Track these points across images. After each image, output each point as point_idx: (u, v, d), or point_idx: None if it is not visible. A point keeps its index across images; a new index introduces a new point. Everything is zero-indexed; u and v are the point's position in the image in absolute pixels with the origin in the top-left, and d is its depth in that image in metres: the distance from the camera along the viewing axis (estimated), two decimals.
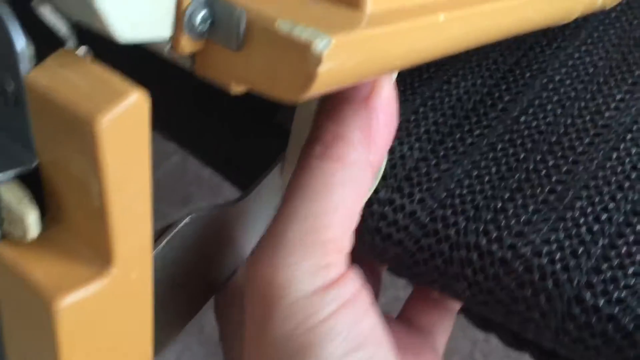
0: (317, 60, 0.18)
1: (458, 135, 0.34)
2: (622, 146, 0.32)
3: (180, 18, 0.19)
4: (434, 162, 0.33)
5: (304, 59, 0.18)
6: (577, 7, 0.31)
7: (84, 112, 0.18)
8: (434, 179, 0.32)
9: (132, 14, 0.18)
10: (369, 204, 0.32)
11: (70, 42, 0.21)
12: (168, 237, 0.26)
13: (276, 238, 0.24)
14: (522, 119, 0.34)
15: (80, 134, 0.18)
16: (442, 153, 0.33)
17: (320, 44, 0.18)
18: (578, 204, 0.30)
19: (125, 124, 0.18)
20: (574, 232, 0.29)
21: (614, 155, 0.32)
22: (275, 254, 0.24)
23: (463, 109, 0.35)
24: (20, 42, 0.19)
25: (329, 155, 0.25)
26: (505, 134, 0.33)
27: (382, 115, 0.26)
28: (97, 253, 0.20)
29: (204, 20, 0.19)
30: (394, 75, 0.28)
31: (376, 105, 0.25)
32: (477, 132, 0.34)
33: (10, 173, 0.20)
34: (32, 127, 0.20)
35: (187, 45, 0.20)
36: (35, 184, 0.20)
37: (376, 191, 0.32)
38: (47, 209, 0.21)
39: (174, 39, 0.19)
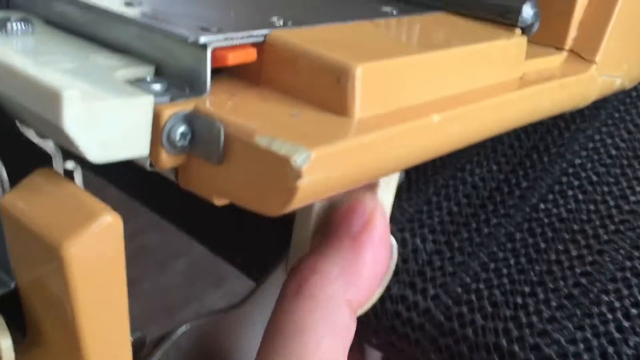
0: (296, 174, 0.17)
1: (474, 226, 0.32)
2: None
3: (159, 135, 0.18)
4: (448, 255, 0.31)
5: (284, 174, 0.17)
6: (591, 93, 0.30)
7: (52, 238, 0.17)
8: (448, 274, 0.30)
9: (105, 137, 0.17)
10: (381, 301, 0.30)
11: (57, 159, 0.21)
12: (162, 348, 0.24)
13: None
14: (542, 206, 0.32)
15: (51, 259, 0.17)
16: (457, 245, 0.31)
17: (299, 159, 0.17)
18: (605, 299, 0.28)
19: (95, 248, 0.17)
20: (602, 330, 0.27)
21: None
22: None
23: (479, 197, 0.33)
24: None
25: (302, 292, 0.23)
26: (524, 222, 0.32)
27: (370, 253, 0.24)
28: None
29: (183, 136, 0.19)
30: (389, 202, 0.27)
31: (365, 241, 0.24)
32: (495, 221, 0.32)
33: None
34: (9, 249, 0.19)
35: (168, 161, 0.19)
36: (15, 307, 0.20)
37: (388, 288, 0.30)
38: (27, 332, 0.20)
39: (154, 155, 0.19)
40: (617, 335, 0.27)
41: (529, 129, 0.36)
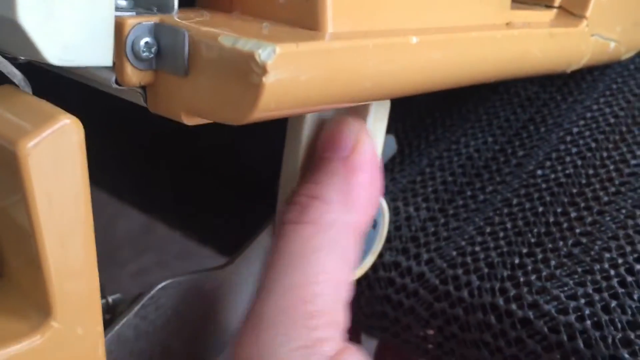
0: (261, 70, 0.16)
1: (469, 193, 0.31)
2: None
3: (122, 45, 0.18)
4: (442, 221, 0.30)
5: (248, 71, 0.16)
6: (584, 50, 0.29)
7: (8, 139, 0.16)
8: (443, 239, 0.29)
9: (62, 36, 0.17)
10: (374, 269, 0.29)
11: (18, 79, 0.20)
12: (140, 303, 0.23)
13: (259, 315, 0.22)
14: (539, 172, 0.31)
15: (9, 164, 0.16)
16: (451, 212, 0.30)
17: (263, 53, 0.16)
18: (607, 255, 0.26)
19: (53, 149, 0.16)
20: (604, 285, 0.25)
21: None
22: (259, 333, 0.21)
23: (474, 166, 0.32)
24: None
25: (304, 218, 0.22)
26: (520, 188, 0.31)
27: (363, 174, 0.24)
28: (37, 307, 0.18)
29: (148, 47, 0.18)
30: (381, 135, 0.26)
31: (356, 163, 0.23)
32: (490, 188, 0.31)
33: None
34: None
35: (134, 75, 0.18)
36: None
37: (380, 255, 0.29)
38: None
39: (119, 69, 0.18)
40: (620, 289, 0.25)
41: (525, 102, 0.35)
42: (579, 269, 0.26)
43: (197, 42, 0.17)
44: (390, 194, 0.32)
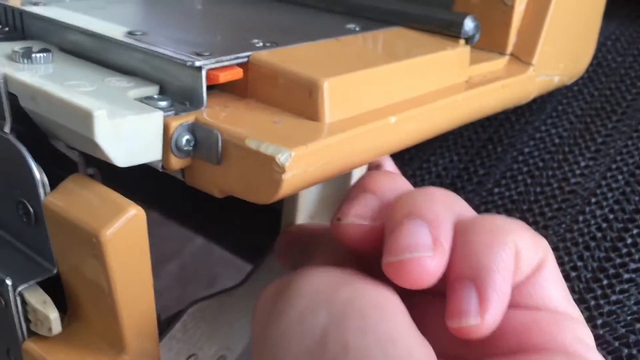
0: (281, 170, 0.21)
1: None
2: (587, 209, 0.35)
3: (168, 143, 0.23)
4: None
5: (271, 170, 0.22)
6: (531, 90, 0.35)
7: (91, 228, 0.21)
8: None
9: (127, 145, 0.22)
10: None
11: (81, 166, 0.25)
12: (174, 327, 0.29)
13: None
14: (496, 190, 0.37)
15: (91, 244, 0.22)
16: None
17: (282, 157, 0.21)
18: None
19: (125, 234, 0.22)
20: None
21: (581, 218, 0.34)
22: None
23: (442, 184, 0.38)
24: (38, 174, 0.23)
25: None
26: (480, 205, 0.36)
27: None
28: (111, 344, 0.24)
29: (188, 142, 0.23)
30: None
31: None
32: None
33: (34, 281, 0.24)
34: (51, 241, 0.24)
35: (176, 163, 0.24)
36: (56, 288, 0.24)
37: None
38: (68, 308, 0.24)
39: (165, 159, 0.23)
40: None
41: (485, 122, 0.41)
42: None
43: (228, 141, 0.23)
44: None
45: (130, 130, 0.22)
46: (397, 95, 0.27)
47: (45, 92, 0.23)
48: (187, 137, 0.23)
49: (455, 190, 0.38)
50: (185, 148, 0.23)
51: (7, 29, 0.32)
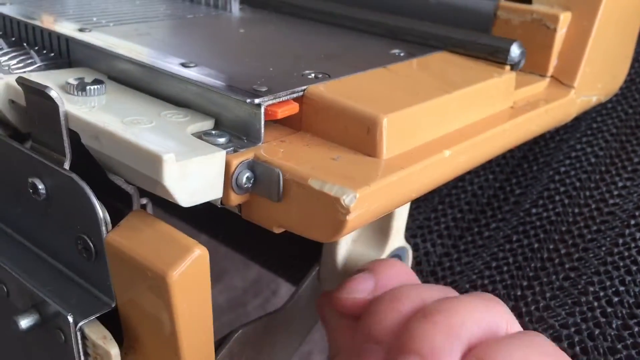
0: (346, 211, 0.22)
1: (476, 230, 0.37)
2: (627, 232, 0.35)
3: (229, 180, 0.23)
4: (455, 256, 0.36)
5: (335, 211, 0.22)
6: (572, 112, 0.35)
7: (158, 268, 0.22)
8: (457, 273, 0.35)
9: (191, 186, 0.22)
10: None
11: (135, 197, 0.26)
12: (221, 353, 0.29)
13: None
14: (534, 210, 0.37)
15: (155, 284, 0.22)
16: (462, 247, 0.36)
17: (347, 199, 0.22)
18: (591, 289, 0.33)
19: (190, 274, 0.22)
20: (589, 315, 0.32)
21: (620, 241, 0.35)
22: None
23: (479, 203, 0.38)
24: (101, 212, 0.23)
25: None
26: (519, 225, 0.37)
27: None
28: None
29: (248, 179, 0.24)
30: None
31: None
32: (493, 225, 0.37)
33: (94, 316, 0.24)
34: (111, 276, 0.24)
35: (235, 199, 0.24)
36: (112, 320, 0.24)
37: None
38: (124, 341, 0.25)
39: (225, 196, 0.24)
40: (602, 319, 0.32)
41: None
42: (569, 301, 0.33)
43: (290, 180, 0.23)
44: (409, 230, 0.38)
45: (195, 171, 0.22)
46: (448, 126, 0.28)
47: (110, 132, 0.23)
48: (247, 174, 0.24)
49: (492, 210, 0.38)
50: (245, 185, 0.24)
51: (52, 54, 0.32)
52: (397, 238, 0.33)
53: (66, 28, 0.32)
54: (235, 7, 0.41)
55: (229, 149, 0.24)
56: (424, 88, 0.28)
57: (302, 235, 0.24)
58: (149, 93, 0.28)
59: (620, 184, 0.37)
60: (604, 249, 0.34)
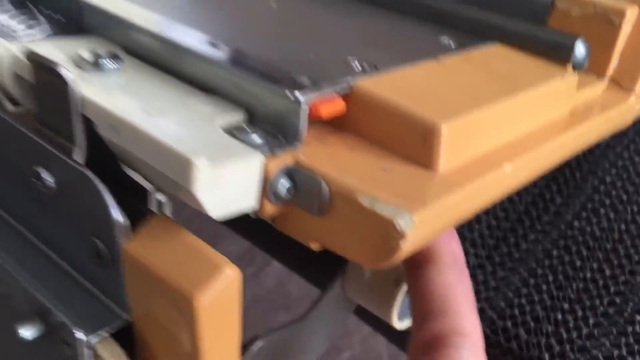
0: (400, 235, 0.19)
1: (513, 240, 0.34)
2: None
3: (265, 189, 0.20)
4: (490, 269, 0.33)
5: (387, 234, 0.19)
6: (629, 120, 0.32)
7: (183, 289, 0.19)
8: (492, 288, 0.32)
9: (223, 194, 0.19)
10: None
11: (153, 194, 0.23)
12: None
13: None
14: (576, 223, 0.34)
15: (179, 304, 0.19)
16: (497, 260, 0.34)
17: (402, 222, 0.19)
18: (639, 318, 0.30)
19: (220, 297, 0.19)
20: (636, 348, 0.29)
21: None
22: None
23: (516, 211, 0.35)
24: (118, 215, 0.20)
25: None
26: (559, 239, 0.34)
27: None
28: None
29: (286, 188, 0.20)
30: None
31: None
32: (532, 237, 0.34)
33: (108, 333, 0.21)
34: (125, 287, 0.21)
35: (271, 210, 0.21)
36: (123, 334, 0.21)
37: None
38: (138, 357, 0.22)
39: (261, 206, 0.20)
40: None
41: None
42: (614, 330, 0.30)
43: (335, 193, 0.20)
44: None
45: (229, 178, 0.19)
46: (506, 135, 0.24)
47: (131, 125, 0.20)
48: (286, 183, 0.20)
49: (531, 220, 0.35)
50: (283, 195, 0.21)
51: (60, 16, 0.28)
52: None
53: None
54: None
55: (265, 151, 0.20)
56: (480, 88, 0.25)
57: (342, 255, 0.21)
58: (169, 72, 0.25)
59: None
60: None
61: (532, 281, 0.32)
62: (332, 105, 0.22)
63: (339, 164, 0.21)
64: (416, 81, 0.24)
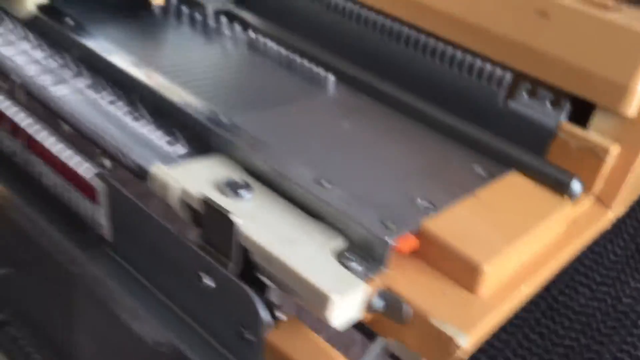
0: (456, 349, 0.29)
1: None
2: (631, 338, 0.43)
3: (365, 306, 0.30)
4: None
5: (447, 346, 0.29)
6: (604, 228, 0.42)
7: None
8: None
9: (343, 314, 0.29)
10: None
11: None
12: None
13: None
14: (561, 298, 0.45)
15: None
16: None
17: (461, 340, 0.29)
18: None
19: None
20: None
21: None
22: None
23: None
24: (266, 316, 0.30)
25: None
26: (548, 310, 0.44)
27: None
28: None
29: (379, 305, 0.30)
30: None
31: None
32: None
33: None
34: None
35: (369, 318, 0.31)
36: None
37: None
38: None
39: (362, 316, 0.30)
40: None
41: None
42: None
43: (415, 313, 0.30)
44: None
45: (347, 303, 0.29)
46: (522, 259, 0.35)
47: (280, 260, 0.29)
48: (379, 302, 0.30)
49: None
50: (376, 309, 0.30)
51: (189, 135, 0.37)
52: None
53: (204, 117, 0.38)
54: (332, 87, 0.46)
55: (363, 276, 0.30)
56: (507, 223, 0.35)
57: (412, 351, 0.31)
58: (282, 194, 0.34)
59: (633, 285, 0.45)
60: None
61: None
62: (409, 244, 0.32)
63: (415, 289, 0.31)
64: (463, 219, 0.34)
